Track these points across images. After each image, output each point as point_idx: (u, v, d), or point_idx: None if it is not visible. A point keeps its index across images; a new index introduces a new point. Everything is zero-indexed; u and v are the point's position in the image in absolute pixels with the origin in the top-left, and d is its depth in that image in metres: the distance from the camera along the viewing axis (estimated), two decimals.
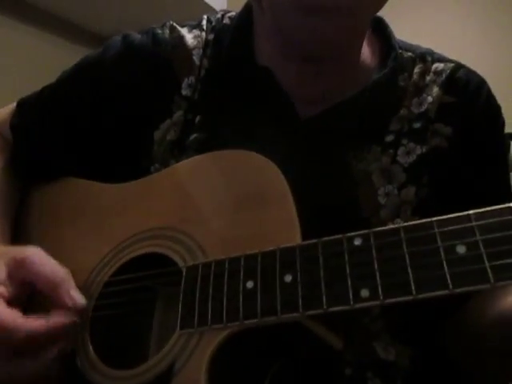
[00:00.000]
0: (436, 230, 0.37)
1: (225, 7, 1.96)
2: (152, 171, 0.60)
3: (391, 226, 0.40)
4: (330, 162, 0.57)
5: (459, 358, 0.56)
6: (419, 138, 0.57)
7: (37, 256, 0.51)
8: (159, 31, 0.65)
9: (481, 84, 0.60)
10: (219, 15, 0.66)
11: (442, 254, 0.36)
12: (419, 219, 0.55)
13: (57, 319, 0.47)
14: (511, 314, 0.48)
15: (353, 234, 0.40)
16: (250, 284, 0.43)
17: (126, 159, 0.64)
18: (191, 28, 0.65)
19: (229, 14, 0.66)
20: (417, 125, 0.57)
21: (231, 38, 0.61)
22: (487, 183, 0.58)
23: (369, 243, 0.39)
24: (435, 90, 0.59)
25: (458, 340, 0.56)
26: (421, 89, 0.59)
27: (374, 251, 0.39)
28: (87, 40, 1.75)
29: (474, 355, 0.54)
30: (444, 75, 0.59)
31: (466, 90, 0.59)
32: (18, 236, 0.63)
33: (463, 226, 0.36)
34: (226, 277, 0.44)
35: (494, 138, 0.60)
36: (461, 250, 0.36)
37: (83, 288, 0.53)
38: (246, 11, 0.62)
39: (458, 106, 0.58)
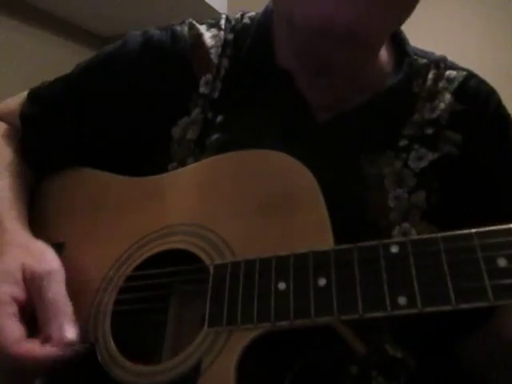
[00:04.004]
0: (476, 241, 0.37)
1: (225, 7, 1.96)
2: (169, 169, 0.60)
3: (429, 235, 0.40)
4: (344, 166, 0.57)
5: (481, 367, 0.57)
6: (431, 143, 0.58)
7: (49, 277, 0.50)
8: (178, 28, 0.65)
9: (490, 94, 0.61)
10: (238, 15, 0.66)
11: (482, 265, 0.36)
12: (427, 224, 0.57)
13: (45, 352, 0.46)
14: None
15: (389, 240, 0.41)
16: (281, 285, 0.43)
17: (142, 154, 0.63)
18: (209, 26, 0.65)
19: (248, 15, 0.66)
20: (429, 130, 0.58)
21: (252, 39, 0.62)
22: (498, 192, 0.59)
23: (406, 251, 0.39)
24: (447, 96, 0.59)
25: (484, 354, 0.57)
26: (433, 95, 0.60)
27: (411, 259, 0.39)
28: (87, 40, 1.74)
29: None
30: (456, 83, 0.60)
31: (477, 99, 0.60)
32: (32, 225, 0.62)
33: (504, 239, 0.37)
34: (256, 277, 0.44)
35: (503, 148, 0.60)
36: (501, 262, 0.36)
37: (104, 281, 0.53)
38: (267, 13, 0.62)
39: (468, 114, 0.59)
